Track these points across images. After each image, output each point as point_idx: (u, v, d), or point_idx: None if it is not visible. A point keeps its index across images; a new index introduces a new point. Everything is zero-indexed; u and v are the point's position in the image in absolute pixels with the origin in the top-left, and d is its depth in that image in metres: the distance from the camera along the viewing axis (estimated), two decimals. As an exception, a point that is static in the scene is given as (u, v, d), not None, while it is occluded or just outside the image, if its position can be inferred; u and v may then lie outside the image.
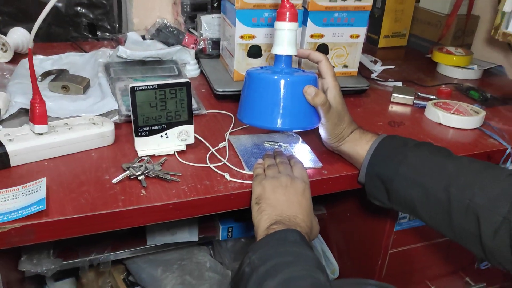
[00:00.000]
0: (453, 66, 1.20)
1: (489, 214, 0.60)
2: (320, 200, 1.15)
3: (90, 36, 1.29)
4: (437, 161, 0.66)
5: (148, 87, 0.71)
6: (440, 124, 0.93)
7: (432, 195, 0.65)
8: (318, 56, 0.74)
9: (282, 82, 0.69)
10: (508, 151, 0.86)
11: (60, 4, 1.24)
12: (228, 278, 1.14)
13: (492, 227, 0.60)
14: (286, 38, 0.71)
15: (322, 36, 0.98)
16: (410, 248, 0.96)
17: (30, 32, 1.09)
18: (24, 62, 0.99)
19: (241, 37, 0.93)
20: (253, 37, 0.94)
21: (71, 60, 1.04)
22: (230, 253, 1.09)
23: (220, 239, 1.02)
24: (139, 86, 0.71)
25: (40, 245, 0.83)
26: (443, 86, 1.11)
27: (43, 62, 1.01)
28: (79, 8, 1.25)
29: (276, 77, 0.69)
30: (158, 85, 0.72)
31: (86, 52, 1.13)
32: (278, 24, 0.71)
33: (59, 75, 0.92)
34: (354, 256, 1.04)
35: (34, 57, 1.02)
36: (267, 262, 0.53)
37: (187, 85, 0.74)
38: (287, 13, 0.70)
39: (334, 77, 0.73)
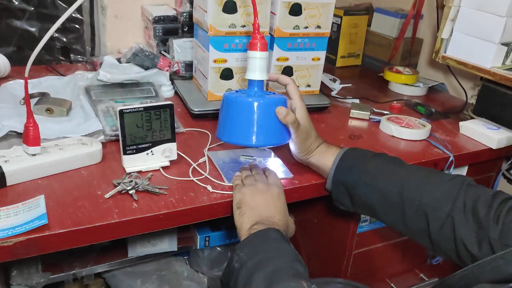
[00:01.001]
0: (402, 84, 1.34)
1: (435, 212, 0.71)
2: (289, 208, 1.24)
3: (63, 59, 1.34)
4: (391, 169, 0.77)
5: (135, 110, 0.78)
6: (393, 136, 1.05)
7: (388, 198, 0.75)
8: (286, 79, 0.84)
9: (256, 104, 0.78)
10: (450, 159, 0.98)
11: (33, 29, 1.29)
12: (204, 285, 1.21)
13: (439, 223, 0.71)
14: (258, 65, 0.81)
15: (287, 59, 1.08)
16: (371, 248, 1.07)
17: (5, 56, 1.14)
18: (5, 86, 1.04)
19: (214, 61, 1.02)
20: (225, 61, 1.03)
21: (50, 84, 1.09)
22: (207, 261, 1.16)
23: (198, 248, 1.09)
24: (127, 109, 0.78)
25: (28, 260, 0.87)
26: (394, 102, 1.24)
27: (24, 86, 1.05)
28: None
29: (250, 99, 0.79)
30: (144, 107, 0.79)
31: (62, 74, 1.18)
32: (251, 53, 0.80)
33: (42, 99, 0.98)
34: (322, 258, 1.14)
35: (13, 81, 1.07)
36: (253, 257, 0.62)
37: (170, 107, 0.82)
38: (258, 43, 0.80)
39: (301, 97, 0.83)
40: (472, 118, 1.15)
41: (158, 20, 1.26)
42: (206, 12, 0.98)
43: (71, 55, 1.35)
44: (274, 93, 0.84)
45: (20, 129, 0.85)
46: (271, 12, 1.03)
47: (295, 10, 1.02)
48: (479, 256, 0.66)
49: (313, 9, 1.03)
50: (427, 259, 1.18)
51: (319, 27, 1.07)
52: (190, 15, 1.27)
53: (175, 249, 1.07)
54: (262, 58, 0.80)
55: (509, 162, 1.08)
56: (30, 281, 0.83)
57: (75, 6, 0.73)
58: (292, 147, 0.83)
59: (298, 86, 0.84)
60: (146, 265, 1.17)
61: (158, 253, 1.07)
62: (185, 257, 1.25)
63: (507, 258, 0.53)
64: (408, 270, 1.19)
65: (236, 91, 0.83)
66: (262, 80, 0.82)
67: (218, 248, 1.18)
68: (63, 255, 0.98)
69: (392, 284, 1.16)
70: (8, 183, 0.73)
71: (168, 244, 1.06)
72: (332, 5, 1.05)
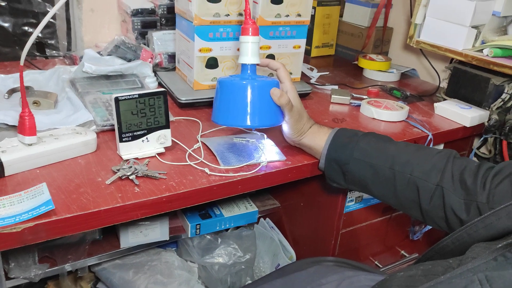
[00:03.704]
0: (376, 71, 1.40)
1: (425, 183, 0.76)
2: (274, 193, 1.27)
3: (38, 54, 1.31)
4: (382, 145, 0.81)
5: (130, 97, 0.79)
6: (374, 118, 1.09)
7: (380, 173, 0.79)
8: (276, 64, 0.87)
9: (250, 86, 0.80)
10: (429, 137, 1.04)
11: (7, 24, 1.26)
12: (195, 274, 1.22)
13: (429, 194, 0.75)
14: (250, 49, 0.83)
15: (269, 47, 1.11)
16: (357, 227, 1.11)
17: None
18: (-15, 81, 1.01)
19: (200, 50, 1.03)
20: (210, 50, 1.04)
21: (31, 78, 1.07)
22: (198, 249, 1.17)
23: (189, 236, 1.10)
24: (122, 96, 0.78)
25: (24, 253, 0.86)
26: (370, 87, 1.29)
27: (5, 80, 1.03)
28: (27, 28, 1.28)
29: (244, 82, 0.81)
30: (139, 94, 0.80)
31: (40, 69, 1.16)
32: (243, 38, 0.83)
33: (26, 92, 0.96)
34: (310, 240, 1.17)
35: (-6, 76, 1.05)
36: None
37: (163, 93, 0.83)
38: (250, 28, 0.82)
39: (291, 81, 0.86)
40: (444, 99, 1.21)
41: (136, 13, 1.26)
42: (190, 1, 1.00)
43: (47, 51, 1.32)
44: (266, 77, 0.86)
45: (10, 121, 0.84)
46: (253, 1, 1.05)
47: (277, -1, 1.05)
48: (467, 220, 0.71)
49: (294, -3, 1.07)
50: (408, 236, 1.24)
51: (299, 15, 1.10)
52: (168, 7, 1.28)
53: (167, 238, 1.08)
54: (254, 42, 0.82)
55: (481, 139, 1.15)
56: (28, 273, 0.82)
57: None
58: (286, 128, 0.86)
59: (288, 71, 0.87)
60: (136, 256, 1.17)
61: (150, 243, 1.08)
62: (173, 248, 1.25)
63: (499, 215, 0.58)
64: (390, 247, 1.24)
65: (231, 76, 0.85)
66: (255, 64, 0.84)
67: (208, 236, 1.20)
68: (55, 249, 0.97)
69: (376, 262, 1.21)
70: (7, 173, 0.72)
71: (160, 234, 1.07)
72: (311, -6, 1.09)
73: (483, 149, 1.22)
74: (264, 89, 0.81)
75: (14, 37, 1.27)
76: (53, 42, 1.33)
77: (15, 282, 0.90)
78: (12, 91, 0.98)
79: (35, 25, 1.28)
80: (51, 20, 1.30)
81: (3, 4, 1.24)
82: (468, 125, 1.10)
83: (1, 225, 0.61)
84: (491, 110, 1.13)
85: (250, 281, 1.24)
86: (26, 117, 0.74)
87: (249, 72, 0.83)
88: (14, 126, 0.84)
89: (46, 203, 0.64)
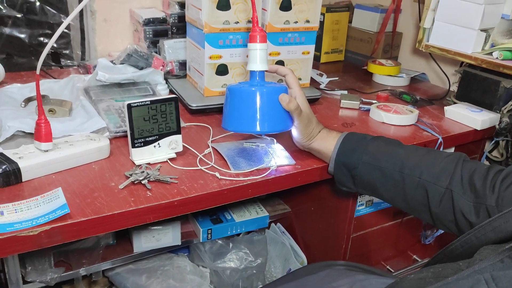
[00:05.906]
0: (385, 75, 1.40)
1: (434, 187, 0.76)
2: (285, 198, 1.28)
3: (53, 64, 1.35)
4: (391, 149, 0.82)
5: (142, 103, 0.81)
6: (383, 123, 1.10)
7: (389, 176, 0.80)
8: (285, 70, 0.88)
9: (259, 92, 0.82)
10: (439, 141, 1.04)
11: (23, 35, 1.29)
12: (207, 279, 1.23)
13: (438, 197, 0.76)
14: (258, 56, 0.84)
15: (278, 53, 1.12)
16: (368, 232, 1.11)
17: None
18: (2, 90, 1.04)
19: (210, 57, 1.05)
20: (220, 57, 1.06)
21: (47, 87, 1.10)
22: (209, 254, 1.18)
23: (201, 241, 1.11)
24: (135, 103, 0.80)
25: (40, 257, 0.89)
26: (380, 92, 1.29)
27: (22, 90, 1.06)
28: (42, 39, 1.31)
29: (253, 88, 0.82)
30: (150, 101, 0.82)
31: (55, 78, 1.19)
32: (251, 45, 0.84)
33: (42, 100, 0.98)
34: (320, 245, 1.18)
35: (10, 86, 1.08)
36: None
37: (175, 100, 0.85)
38: (258, 35, 0.84)
39: (300, 86, 0.87)
40: (454, 103, 1.21)
41: (148, 22, 1.29)
42: (200, 10, 1.02)
43: (62, 60, 1.36)
44: (275, 83, 0.88)
45: (27, 129, 0.87)
46: (262, 8, 1.07)
47: (285, 5, 1.07)
48: (476, 223, 0.71)
49: (302, 4, 1.08)
50: (419, 240, 1.24)
51: (308, 21, 1.11)
52: (179, 16, 1.31)
53: (179, 243, 1.09)
54: (262, 49, 0.84)
55: (492, 142, 1.15)
56: (44, 277, 0.84)
57: (77, 9, 0.75)
58: (295, 133, 0.87)
59: (296, 76, 0.88)
60: (148, 261, 1.19)
61: (162, 248, 1.09)
62: (185, 253, 1.27)
63: (507, 218, 0.58)
64: (401, 252, 1.24)
65: (239, 83, 0.87)
66: (263, 71, 0.85)
67: (219, 241, 1.21)
68: (70, 253, 0.99)
69: (388, 267, 1.20)
70: (24, 179, 0.74)
71: (172, 239, 1.08)
72: (320, 0, 1.10)
73: (495, 153, 1.21)
74: (273, 95, 0.82)
75: (30, 47, 1.31)
76: (67, 52, 1.36)
77: (31, 287, 0.93)
78: (28, 100, 1.01)
79: (50, 36, 1.32)
80: (66, 30, 1.33)
81: (19, 16, 1.27)
82: (479, 128, 1.09)
83: (19, 228, 0.63)
84: (502, 113, 1.12)
85: (261, 286, 1.25)
86: (42, 124, 0.76)
87: (257, 78, 0.85)
88: (30, 134, 0.86)
89: (62, 207, 0.66)
